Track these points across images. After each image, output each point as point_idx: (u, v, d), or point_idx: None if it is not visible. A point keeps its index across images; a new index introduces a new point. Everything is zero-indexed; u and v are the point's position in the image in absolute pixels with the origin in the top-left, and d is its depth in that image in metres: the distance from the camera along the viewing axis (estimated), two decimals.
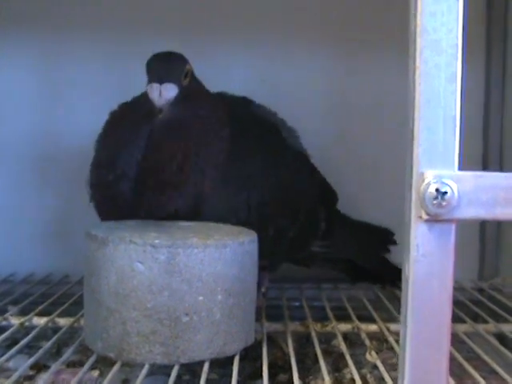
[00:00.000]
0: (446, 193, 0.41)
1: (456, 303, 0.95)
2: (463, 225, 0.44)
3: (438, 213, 0.42)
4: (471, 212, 0.42)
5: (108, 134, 0.89)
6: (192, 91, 0.87)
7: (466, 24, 0.44)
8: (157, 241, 0.69)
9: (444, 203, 0.41)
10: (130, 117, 0.88)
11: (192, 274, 0.68)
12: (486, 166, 1.14)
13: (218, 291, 0.70)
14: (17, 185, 1.15)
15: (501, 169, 1.13)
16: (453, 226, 0.42)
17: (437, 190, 0.41)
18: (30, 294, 1.00)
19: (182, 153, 0.84)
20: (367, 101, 1.17)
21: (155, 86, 0.81)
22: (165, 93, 0.81)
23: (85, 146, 0.89)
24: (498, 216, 0.43)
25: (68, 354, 0.75)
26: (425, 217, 0.42)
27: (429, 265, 0.42)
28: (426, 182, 0.42)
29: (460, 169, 0.43)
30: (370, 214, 1.13)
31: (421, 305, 0.43)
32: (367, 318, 0.91)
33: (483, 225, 1.18)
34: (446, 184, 0.41)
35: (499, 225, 1.17)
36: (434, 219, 0.42)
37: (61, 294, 0.99)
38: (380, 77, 1.16)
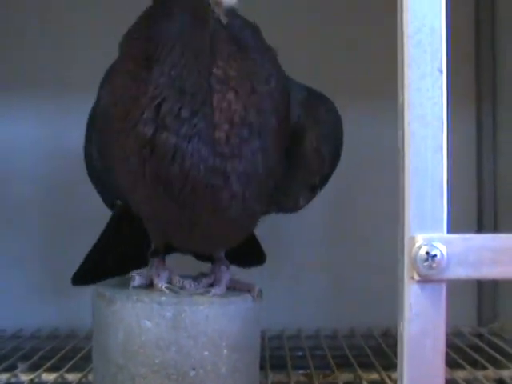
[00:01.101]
0: (435, 255, 0.44)
1: (455, 349, 0.97)
2: None
3: (428, 274, 0.45)
4: (460, 272, 0.45)
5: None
6: None
7: (451, 95, 0.47)
8: (163, 298, 0.71)
9: (434, 265, 0.44)
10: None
11: (198, 329, 0.70)
12: (480, 227, 1.16)
13: (223, 346, 0.71)
14: (22, 242, 1.16)
15: (495, 228, 1.15)
16: (443, 286, 0.45)
17: (427, 252, 0.44)
18: (38, 349, 1.01)
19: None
20: (363, 152, 1.18)
21: None
22: None
23: (94, 195, 0.86)
24: (486, 275, 0.46)
25: None
26: (416, 278, 0.45)
27: (422, 323, 0.45)
28: (417, 245, 0.45)
29: (449, 231, 0.46)
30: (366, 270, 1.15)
31: (415, 362, 0.45)
32: (368, 366, 0.92)
33: None
34: (436, 247, 0.45)
35: None
36: (425, 280, 0.45)
37: (68, 348, 1.01)
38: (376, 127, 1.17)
